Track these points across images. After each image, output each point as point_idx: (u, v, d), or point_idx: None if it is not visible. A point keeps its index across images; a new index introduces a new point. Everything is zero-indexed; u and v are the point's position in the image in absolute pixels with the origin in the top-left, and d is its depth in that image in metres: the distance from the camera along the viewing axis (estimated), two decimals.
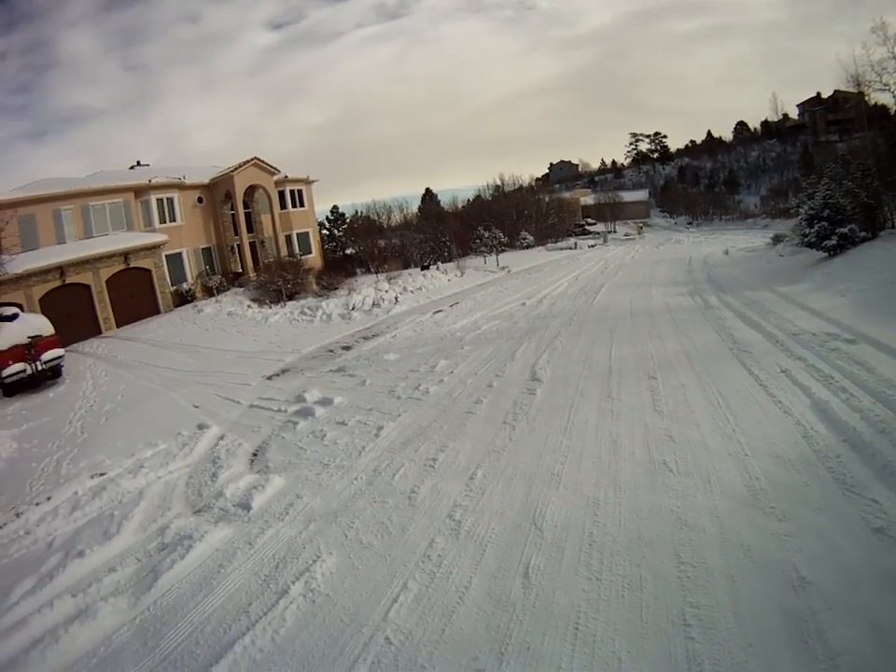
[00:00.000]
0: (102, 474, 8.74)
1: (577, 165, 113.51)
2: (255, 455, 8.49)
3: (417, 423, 8.15)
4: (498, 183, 68.76)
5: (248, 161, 32.50)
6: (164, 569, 5.41)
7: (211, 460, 8.33)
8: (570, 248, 42.88)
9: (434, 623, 3.98)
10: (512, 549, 4.67)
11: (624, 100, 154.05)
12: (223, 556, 5.49)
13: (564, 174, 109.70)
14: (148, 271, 27.48)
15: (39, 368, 15.64)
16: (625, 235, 55.85)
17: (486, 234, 36.06)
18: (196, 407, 11.59)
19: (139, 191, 29.09)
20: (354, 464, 7.17)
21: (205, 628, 4.46)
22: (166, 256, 28.73)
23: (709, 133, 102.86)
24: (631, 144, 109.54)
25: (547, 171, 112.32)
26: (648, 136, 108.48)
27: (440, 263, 33.63)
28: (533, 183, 77.23)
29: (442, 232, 42.60)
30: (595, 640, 3.62)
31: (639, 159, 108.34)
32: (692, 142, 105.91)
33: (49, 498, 8.20)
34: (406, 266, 36.78)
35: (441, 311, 18.31)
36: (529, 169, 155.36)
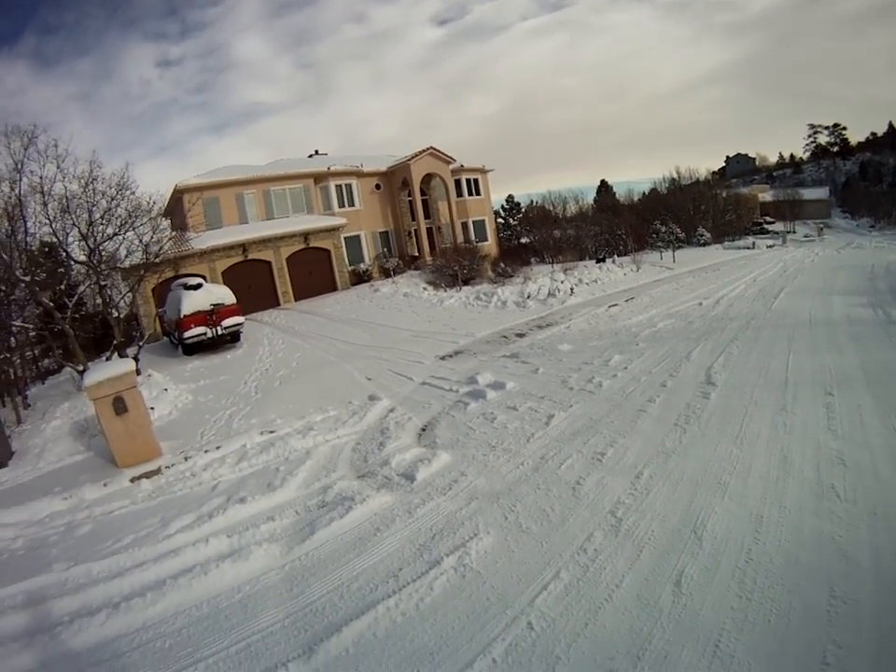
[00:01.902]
0: (271, 432, 9.28)
1: (753, 159, 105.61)
2: (423, 429, 8.53)
3: (588, 415, 7.83)
4: (674, 176, 65.72)
5: (424, 151, 33.92)
6: (321, 525, 5.66)
7: (379, 430, 8.61)
8: (748, 248, 39.66)
9: (578, 616, 3.91)
10: (669, 554, 4.49)
11: (798, 88, 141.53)
12: (381, 521, 5.66)
13: (740, 168, 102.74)
14: (327, 251, 29.66)
15: (219, 332, 17.41)
16: (805, 236, 51.05)
17: (663, 229, 34.46)
18: (369, 379, 11.90)
19: (318, 178, 31.64)
20: (521, 449, 7.00)
21: (352, 585, 4.65)
22: (345, 238, 30.96)
23: (891, 125, 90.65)
24: (809, 136, 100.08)
25: (723, 164, 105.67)
26: (826, 128, 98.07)
27: (615, 256, 32.49)
28: (709, 177, 73.05)
29: (618, 225, 41.22)
30: (733, 662, 3.42)
31: (818, 153, 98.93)
32: (872, 134, 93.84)
33: (218, 448, 8.93)
34: (581, 258, 36.05)
35: (616, 305, 17.64)
36: (705, 162, 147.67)
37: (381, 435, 8.34)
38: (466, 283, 25.90)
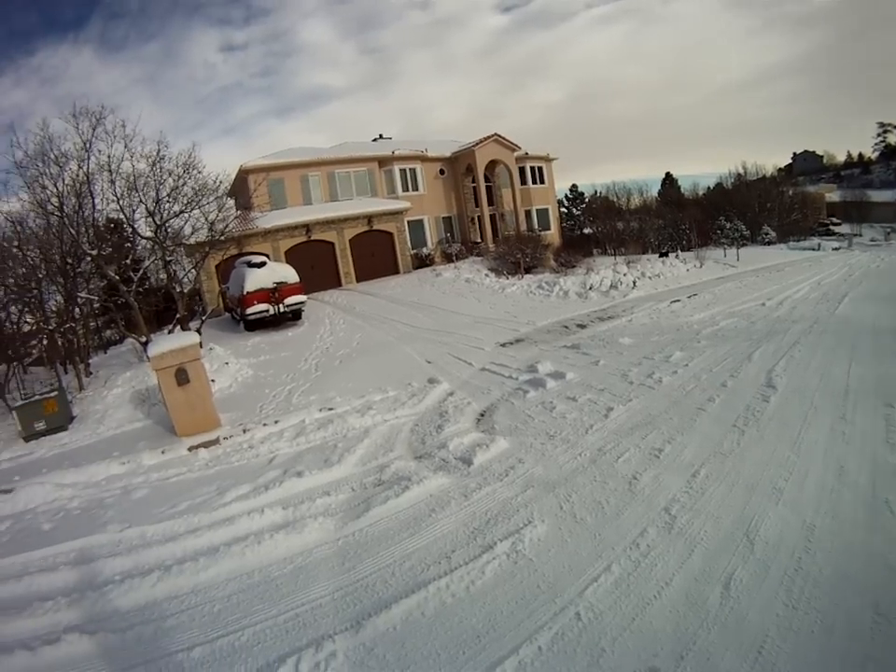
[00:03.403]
0: (330, 409, 9.36)
1: (821, 157, 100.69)
2: (482, 415, 8.48)
3: (647, 410, 7.70)
4: (740, 171, 63.39)
5: (489, 137, 33.80)
6: (377, 503, 5.74)
7: (438, 413, 8.62)
8: (813, 249, 37.95)
9: (626, 611, 3.89)
10: (720, 556, 4.43)
11: (868, 85, 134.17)
12: (436, 503, 5.72)
13: (807, 165, 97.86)
14: (390, 234, 29.80)
15: (281, 310, 17.87)
16: (871, 240, 48.54)
17: (727, 226, 33.45)
18: (429, 363, 11.92)
19: (383, 162, 31.83)
20: (580, 440, 6.92)
21: (404, 563, 4.72)
22: (408, 221, 30.82)
23: None
24: (878, 135, 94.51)
25: (790, 161, 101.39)
26: None
27: (678, 251, 31.64)
28: (776, 174, 70.27)
29: (682, 220, 40.16)
30: (773, 670, 3.37)
31: (888, 153, 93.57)
32: None
33: (276, 422, 9.08)
34: (644, 251, 35.13)
35: (678, 301, 17.20)
36: (772, 158, 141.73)
37: (439, 418, 8.34)
38: (528, 271, 25.72)
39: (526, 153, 36.63)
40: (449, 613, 4.01)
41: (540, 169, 38.60)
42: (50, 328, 14.81)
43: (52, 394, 10.91)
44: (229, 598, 4.55)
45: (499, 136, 34.03)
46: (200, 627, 4.23)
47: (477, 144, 33.26)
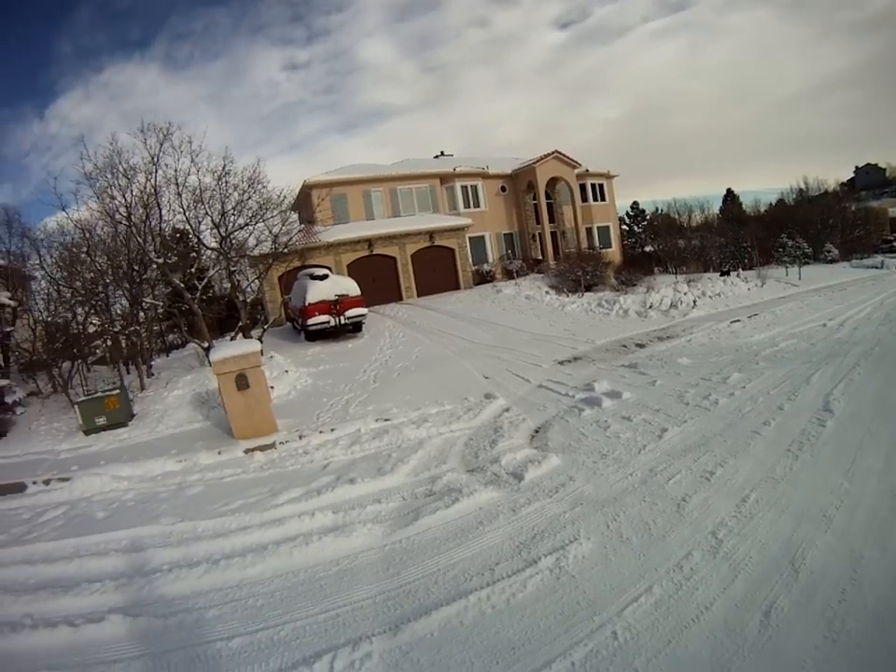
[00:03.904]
0: (386, 420, 9.47)
1: (884, 170, 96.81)
2: (536, 431, 8.47)
3: (702, 432, 7.60)
4: (802, 187, 61.41)
5: (549, 154, 33.76)
6: (426, 513, 5.80)
7: (493, 428, 8.63)
8: (876, 267, 36.34)
9: (663, 633, 3.84)
10: (763, 583, 4.33)
11: None
12: (485, 515, 5.73)
13: (870, 179, 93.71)
14: (452, 250, 30.25)
15: (342, 322, 18.27)
16: None
17: (789, 243, 32.51)
18: (486, 378, 11.93)
19: (444, 178, 32.32)
20: (632, 460, 6.87)
21: (448, 573, 4.77)
22: (469, 238, 31.39)
23: None
24: None
25: (852, 175, 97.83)
26: None
27: (739, 270, 30.84)
28: (838, 188, 67.85)
29: (743, 237, 39.18)
30: None
31: None
32: None
33: (332, 430, 9.22)
34: (705, 269, 34.25)
35: (738, 321, 16.80)
36: (834, 172, 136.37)
37: (494, 433, 8.35)
38: (588, 289, 25.55)
39: (587, 170, 36.46)
40: (487, 624, 4.04)
41: (601, 186, 38.37)
42: (115, 330, 15.50)
43: (114, 391, 11.35)
44: (272, 594, 4.66)
45: (560, 153, 34.01)
46: (241, 619, 4.37)
47: (538, 161, 33.33)
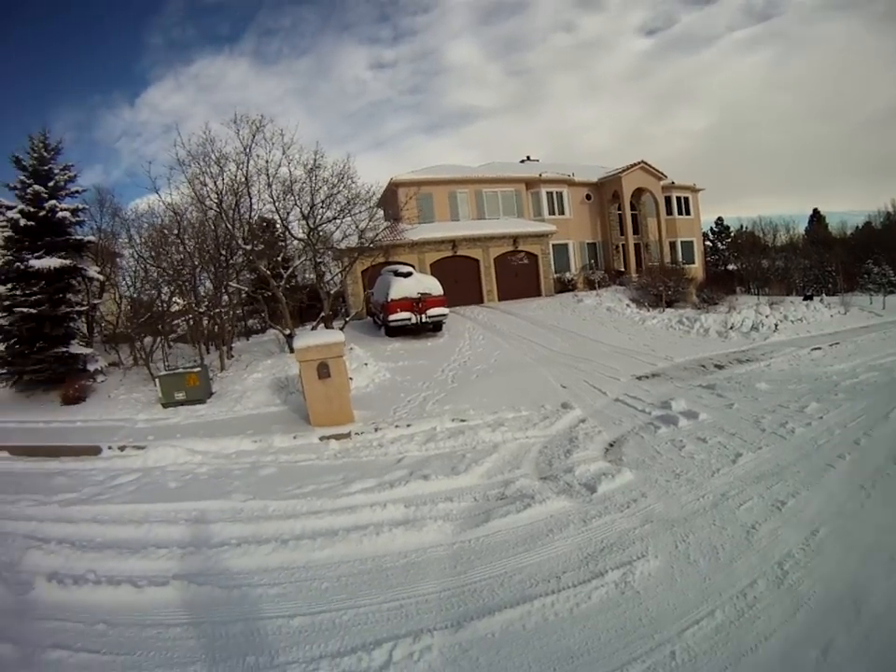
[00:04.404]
0: (462, 420, 9.45)
1: None
2: (611, 445, 8.34)
3: (776, 460, 7.41)
4: (890, 210, 57.59)
5: (635, 165, 33.37)
6: (497, 515, 5.79)
7: (568, 438, 8.54)
8: None
9: (721, 659, 3.77)
10: (824, 619, 4.18)
11: None
12: (555, 524, 5.69)
13: None
14: (535, 255, 29.89)
15: (423, 320, 18.43)
16: None
17: (875, 270, 30.83)
18: (563, 387, 11.79)
19: (530, 183, 32.16)
20: (704, 482, 6.75)
21: (514, 576, 4.76)
22: (553, 245, 30.88)
23: None
24: None
25: None
26: None
27: (823, 295, 29.45)
28: None
29: (828, 261, 37.36)
30: None
31: None
32: None
33: (408, 425, 9.26)
34: (787, 292, 32.89)
35: (819, 348, 16.11)
36: None
37: (569, 443, 8.25)
38: (669, 304, 24.96)
39: (672, 182, 35.61)
40: (549, 630, 4.02)
41: (686, 199, 37.37)
42: (200, 310, 16.14)
43: (196, 369, 11.80)
44: (338, 579, 4.73)
45: (646, 164, 33.44)
46: (305, 600, 4.44)
47: (623, 170, 32.88)
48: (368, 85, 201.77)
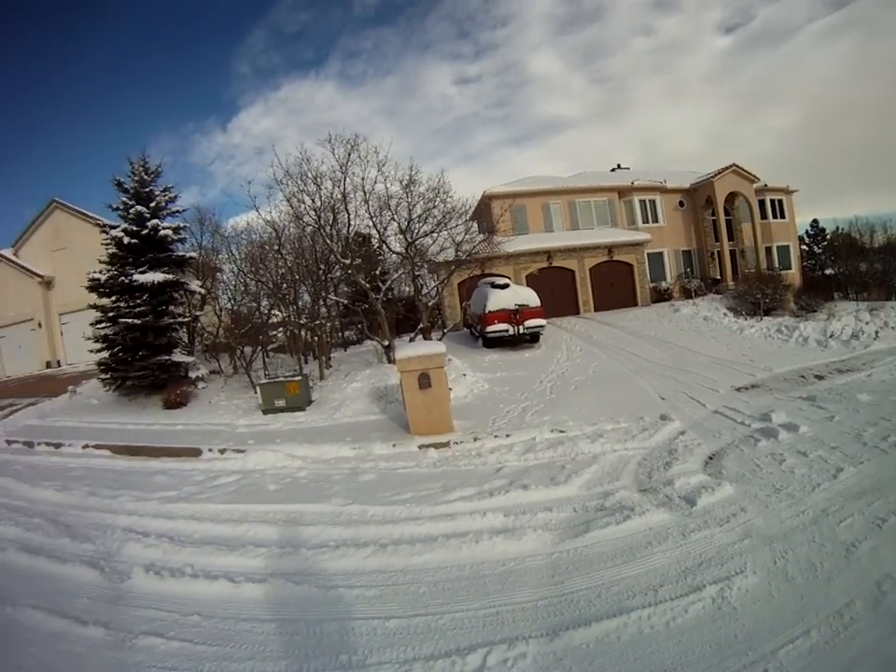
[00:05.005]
0: (561, 431, 9.34)
1: None
2: (710, 458, 8.08)
3: (878, 475, 7.01)
4: None
5: (727, 168, 32.19)
6: (596, 526, 5.73)
7: (667, 450, 8.32)
8: None
9: None
10: None
11: None
12: (654, 536, 5.60)
13: None
14: (630, 265, 29.69)
15: (520, 331, 18.40)
16: None
17: None
18: (662, 399, 11.50)
19: (622, 192, 31.76)
20: (805, 497, 6.44)
21: (612, 588, 4.70)
22: (647, 254, 30.57)
23: None
24: None
25: None
26: None
27: None
28: None
29: None
30: None
31: None
32: None
33: (507, 436, 9.20)
34: (887, 296, 30.83)
35: None
36: None
37: (668, 455, 8.07)
38: (767, 313, 24.01)
39: (765, 185, 33.98)
40: (644, 643, 3.95)
41: (780, 202, 35.54)
42: (301, 322, 16.70)
43: (296, 378, 12.21)
44: (436, 584, 4.77)
45: (738, 167, 32.14)
46: (401, 603, 4.49)
47: (715, 175, 31.74)
48: (454, 100, 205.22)
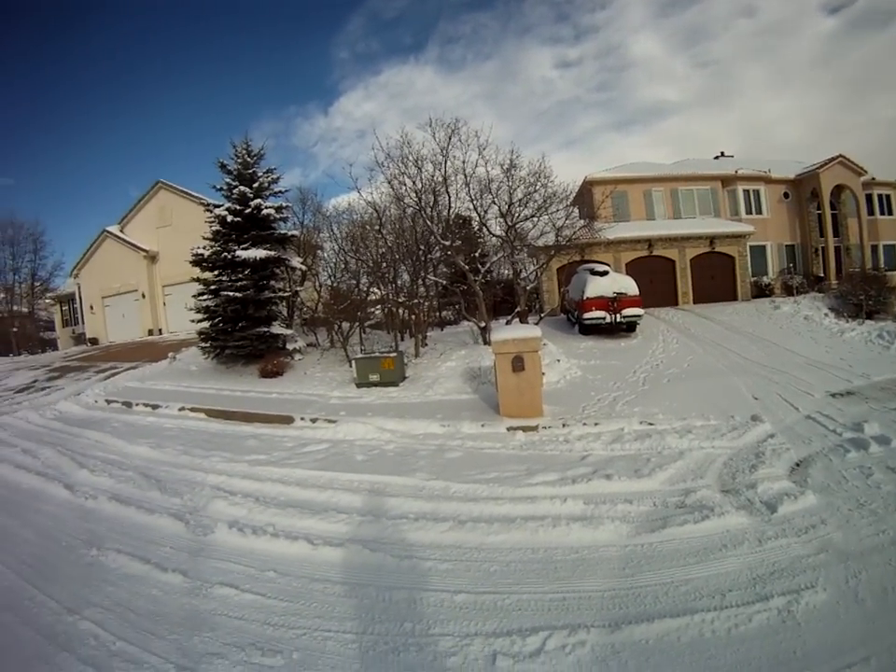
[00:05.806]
0: (650, 424, 9.19)
1: None
2: (797, 464, 7.72)
3: None
4: None
5: (833, 159, 30.14)
6: (674, 523, 5.59)
7: (755, 453, 7.98)
8: None
9: None
10: None
11: None
12: (730, 539, 5.40)
13: None
14: (731, 257, 28.41)
15: (617, 320, 18.05)
16: None
17: None
18: (755, 399, 11.00)
19: (725, 181, 30.51)
20: (888, 516, 6.02)
21: (680, 587, 4.62)
22: (750, 246, 29.14)
23: None
24: None
25: None
26: None
27: None
28: None
29: None
30: None
31: None
32: None
33: (596, 424, 9.10)
34: None
35: None
36: None
37: (755, 458, 7.77)
38: (869, 316, 22.39)
39: (873, 178, 31.50)
40: (703, 646, 3.88)
41: (888, 197, 32.78)
42: (399, 300, 17.13)
43: (392, 354, 12.50)
44: (507, 564, 4.80)
45: (845, 158, 29.90)
46: (471, 579, 4.56)
47: (821, 166, 29.94)
48: (555, 84, 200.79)
